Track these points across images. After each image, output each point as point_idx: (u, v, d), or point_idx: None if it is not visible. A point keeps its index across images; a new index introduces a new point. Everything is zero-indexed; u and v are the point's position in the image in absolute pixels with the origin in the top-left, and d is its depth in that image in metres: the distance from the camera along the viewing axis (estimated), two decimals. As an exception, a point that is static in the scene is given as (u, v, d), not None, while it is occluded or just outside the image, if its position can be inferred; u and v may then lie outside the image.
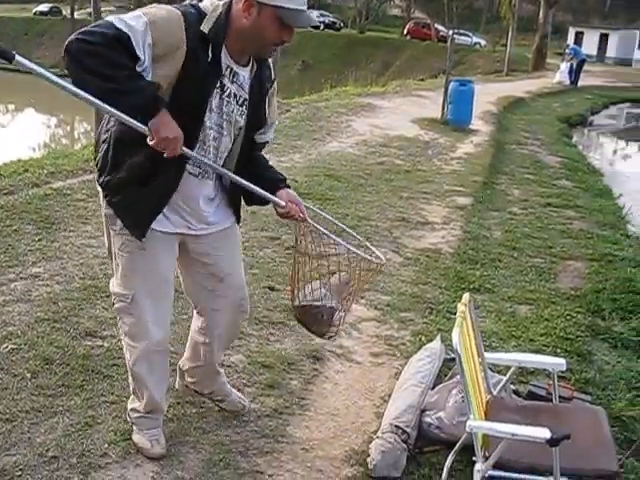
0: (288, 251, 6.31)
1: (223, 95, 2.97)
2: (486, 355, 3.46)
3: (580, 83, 31.62)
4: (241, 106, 3.06)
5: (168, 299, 3.29)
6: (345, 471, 3.52)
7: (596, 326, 5.62)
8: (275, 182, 3.26)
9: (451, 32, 28.97)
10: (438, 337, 4.80)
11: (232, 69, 2.95)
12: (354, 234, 3.60)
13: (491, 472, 2.97)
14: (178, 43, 2.74)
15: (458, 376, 3.92)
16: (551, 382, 3.99)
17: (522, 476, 3.07)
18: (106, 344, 4.36)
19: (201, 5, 2.87)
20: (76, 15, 55.94)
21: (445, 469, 3.44)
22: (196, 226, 3.21)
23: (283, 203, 3.17)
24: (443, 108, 15.41)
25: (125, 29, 2.62)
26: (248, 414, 3.84)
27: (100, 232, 6.07)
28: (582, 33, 60.30)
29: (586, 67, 33.00)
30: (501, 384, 3.58)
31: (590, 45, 57.70)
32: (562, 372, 4.15)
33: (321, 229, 3.20)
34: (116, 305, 3.23)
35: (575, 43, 55.63)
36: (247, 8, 2.79)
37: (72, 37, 2.60)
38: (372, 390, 4.29)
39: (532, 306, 5.86)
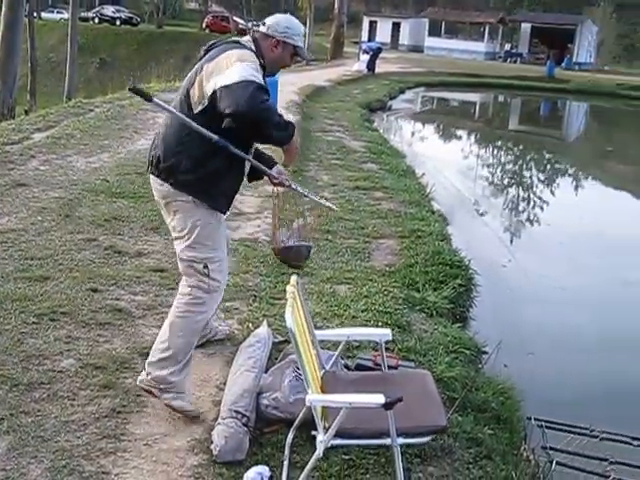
0: (107, 251, 6.25)
1: None
2: (316, 332, 3.61)
3: (377, 70, 32.85)
4: None
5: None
6: (190, 460, 3.59)
7: (412, 298, 5.97)
8: (271, 162, 4.29)
9: (250, 24, 29.17)
10: (264, 323, 4.95)
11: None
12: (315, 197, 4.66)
13: (333, 441, 3.11)
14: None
15: (290, 356, 4.09)
16: (376, 354, 4.24)
17: (362, 441, 3.26)
18: None
19: (244, 42, 3.92)
20: None
21: (287, 446, 3.60)
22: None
23: (275, 174, 4.21)
24: (248, 100, 15.53)
25: (261, 81, 3.66)
26: (86, 417, 3.82)
27: None
28: (376, 22, 62.36)
29: (382, 55, 34.31)
30: (333, 359, 3.75)
31: (384, 33, 59.91)
32: (387, 343, 4.42)
33: (299, 189, 4.40)
34: (210, 266, 3.90)
35: (370, 32, 57.81)
36: (275, 45, 3.95)
37: (245, 99, 3.51)
38: (207, 380, 4.36)
39: (351, 285, 6.13)
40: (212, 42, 4.02)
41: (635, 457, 3.68)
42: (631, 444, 3.83)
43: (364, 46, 35.39)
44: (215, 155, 3.81)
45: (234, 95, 3.54)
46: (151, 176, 3.97)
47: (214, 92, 3.64)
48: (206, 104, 3.71)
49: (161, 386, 3.88)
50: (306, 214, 4.44)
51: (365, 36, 56.40)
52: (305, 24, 37.33)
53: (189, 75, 3.90)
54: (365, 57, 33.43)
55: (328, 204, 4.67)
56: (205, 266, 3.90)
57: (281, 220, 4.42)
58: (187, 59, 48.44)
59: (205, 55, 3.90)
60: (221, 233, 4.03)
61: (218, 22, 57.80)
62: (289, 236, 4.35)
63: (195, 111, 3.76)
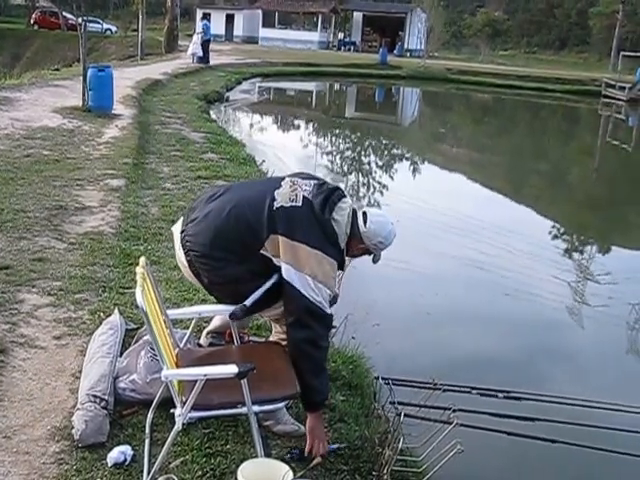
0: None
1: None
2: (168, 312, 3.70)
3: (212, 62, 32.74)
4: None
5: None
6: (52, 448, 3.60)
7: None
8: None
9: (81, 20, 28.46)
10: (116, 310, 5.01)
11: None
12: None
13: (191, 414, 3.22)
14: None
15: (144, 338, 4.17)
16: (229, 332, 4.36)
17: (220, 412, 3.39)
18: None
19: (339, 219, 3.78)
20: None
21: (147, 425, 3.69)
22: None
23: None
24: (84, 95, 15.22)
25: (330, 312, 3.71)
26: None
27: None
28: (209, 14, 61.88)
29: (217, 47, 34.17)
30: (186, 337, 3.86)
31: (218, 25, 59.54)
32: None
33: None
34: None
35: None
36: (360, 244, 3.86)
37: (314, 332, 3.63)
38: (62, 370, 4.37)
39: (200, 270, 6.22)
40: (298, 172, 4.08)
41: (473, 404, 4.01)
42: (470, 392, 4.15)
43: (202, 23, 34.29)
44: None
45: (301, 313, 3.58)
46: None
47: (285, 280, 3.60)
48: (272, 264, 3.65)
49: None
50: None
51: (199, 29, 55.93)
52: (137, 18, 36.68)
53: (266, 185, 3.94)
54: (196, 38, 32.86)
55: None
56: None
57: None
58: (16, 57, 46.75)
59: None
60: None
61: (47, 18, 55.89)
62: None
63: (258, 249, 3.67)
